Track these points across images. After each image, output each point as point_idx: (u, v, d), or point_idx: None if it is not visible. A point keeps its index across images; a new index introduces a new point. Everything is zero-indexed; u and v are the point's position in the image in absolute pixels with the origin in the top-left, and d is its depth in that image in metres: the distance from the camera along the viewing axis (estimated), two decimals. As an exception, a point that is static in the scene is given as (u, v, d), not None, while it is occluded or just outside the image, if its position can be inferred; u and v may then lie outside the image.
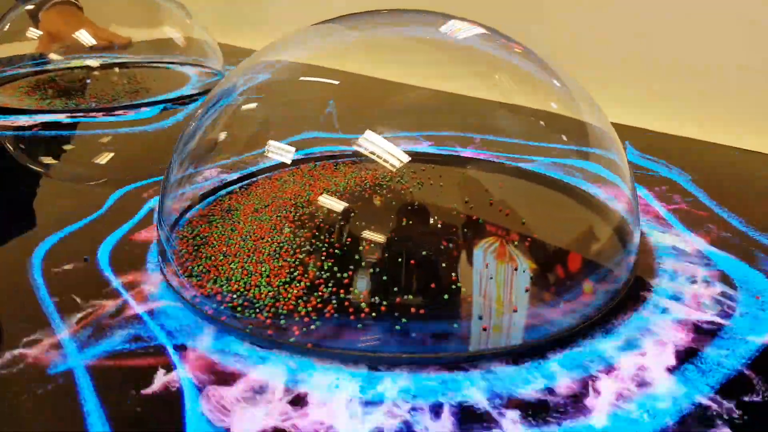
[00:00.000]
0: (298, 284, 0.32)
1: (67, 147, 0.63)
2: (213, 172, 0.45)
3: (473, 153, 0.52)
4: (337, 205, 0.38)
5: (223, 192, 0.45)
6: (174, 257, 0.36)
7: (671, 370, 0.28)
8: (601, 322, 0.31)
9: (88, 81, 0.84)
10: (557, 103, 0.40)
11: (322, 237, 0.35)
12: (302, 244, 0.35)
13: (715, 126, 0.64)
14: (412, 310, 0.30)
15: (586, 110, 0.39)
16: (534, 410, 0.25)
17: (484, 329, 0.29)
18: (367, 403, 0.26)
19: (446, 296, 0.31)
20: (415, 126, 0.53)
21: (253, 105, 0.42)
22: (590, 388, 0.27)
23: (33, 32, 0.85)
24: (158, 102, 0.76)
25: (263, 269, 0.33)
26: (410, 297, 0.30)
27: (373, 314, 0.30)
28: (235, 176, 0.46)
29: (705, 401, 0.26)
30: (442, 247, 0.34)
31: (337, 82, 0.41)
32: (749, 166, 0.55)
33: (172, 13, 0.93)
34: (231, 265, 0.34)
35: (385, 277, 0.31)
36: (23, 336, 0.30)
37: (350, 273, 0.32)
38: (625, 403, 0.26)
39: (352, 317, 0.30)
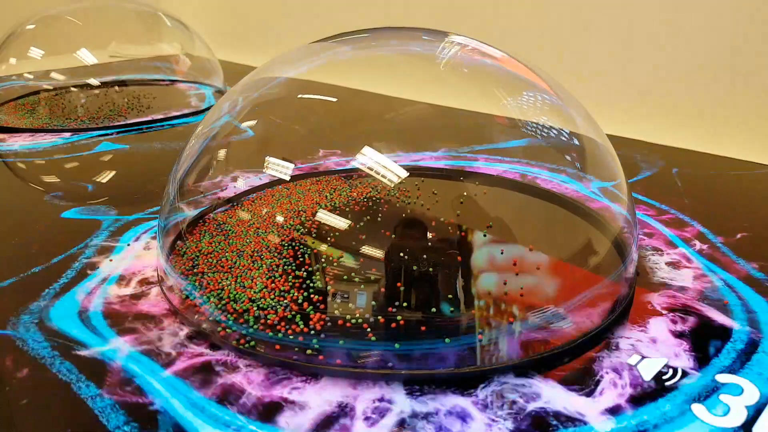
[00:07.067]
0: (293, 295, 0.32)
1: (68, 165, 0.63)
2: (212, 189, 0.45)
3: (470, 166, 0.52)
4: (335, 221, 0.38)
5: (220, 210, 0.45)
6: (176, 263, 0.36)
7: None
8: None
9: (84, 99, 0.84)
10: (553, 115, 0.40)
11: (317, 252, 0.35)
12: (298, 259, 0.35)
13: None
14: (402, 321, 0.30)
15: (582, 122, 0.40)
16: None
17: (479, 339, 0.29)
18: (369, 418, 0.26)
19: (448, 311, 0.31)
20: (413, 140, 0.54)
21: (252, 122, 0.42)
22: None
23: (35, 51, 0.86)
24: (159, 120, 0.76)
25: (257, 285, 0.33)
26: (407, 313, 0.31)
27: (369, 330, 0.30)
28: (232, 192, 0.46)
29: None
30: (434, 262, 0.34)
31: (335, 99, 0.41)
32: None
33: (173, 30, 0.93)
34: (224, 282, 0.34)
35: (381, 291, 0.31)
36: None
37: (348, 287, 0.32)
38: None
39: (350, 331, 0.30)
